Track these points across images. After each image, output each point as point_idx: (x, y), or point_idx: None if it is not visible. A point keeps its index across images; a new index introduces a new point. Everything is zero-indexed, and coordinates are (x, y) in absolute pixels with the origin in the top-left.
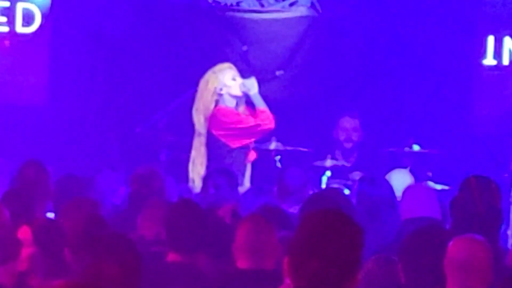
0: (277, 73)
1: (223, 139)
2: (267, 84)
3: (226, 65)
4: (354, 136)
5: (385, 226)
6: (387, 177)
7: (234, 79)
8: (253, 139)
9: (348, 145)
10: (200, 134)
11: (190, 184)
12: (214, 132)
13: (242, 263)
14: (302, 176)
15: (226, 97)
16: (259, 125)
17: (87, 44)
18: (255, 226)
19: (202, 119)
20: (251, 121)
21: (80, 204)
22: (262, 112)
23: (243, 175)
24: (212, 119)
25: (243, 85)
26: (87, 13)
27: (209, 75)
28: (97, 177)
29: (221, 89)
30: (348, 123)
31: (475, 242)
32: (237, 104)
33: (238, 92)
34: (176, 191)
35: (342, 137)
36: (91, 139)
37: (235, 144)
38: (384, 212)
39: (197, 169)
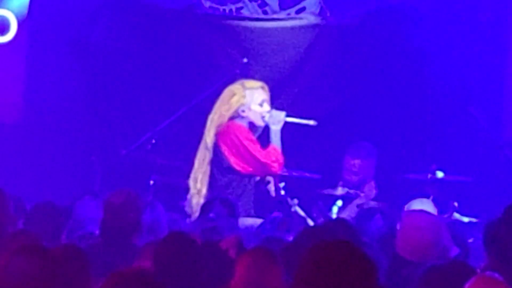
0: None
1: (228, 156)
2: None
3: (259, 84)
4: (360, 175)
5: None
6: (406, 208)
7: (261, 105)
8: (255, 175)
9: (354, 179)
10: (206, 147)
11: (187, 204)
12: (221, 146)
13: None
14: None
15: (244, 121)
16: (266, 164)
17: (67, 55)
18: (257, 261)
19: (212, 132)
20: (262, 156)
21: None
22: (275, 150)
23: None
24: (224, 133)
25: (271, 116)
26: (68, 20)
27: (237, 88)
28: (76, 205)
29: (243, 111)
30: (348, 164)
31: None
32: (249, 129)
33: (260, 122)
34: (166, 221)
35: (347, 176)
36: (71, 162)
37: (238, 166)
38: None
39: (197, 186)
